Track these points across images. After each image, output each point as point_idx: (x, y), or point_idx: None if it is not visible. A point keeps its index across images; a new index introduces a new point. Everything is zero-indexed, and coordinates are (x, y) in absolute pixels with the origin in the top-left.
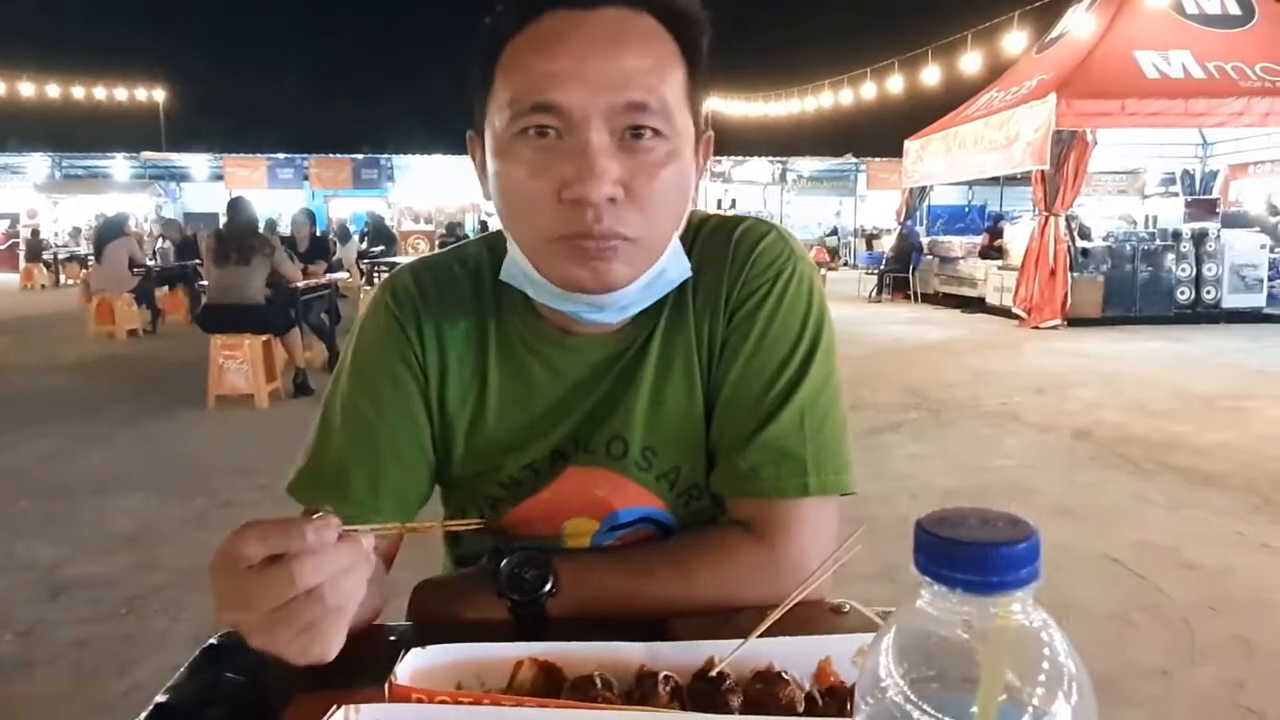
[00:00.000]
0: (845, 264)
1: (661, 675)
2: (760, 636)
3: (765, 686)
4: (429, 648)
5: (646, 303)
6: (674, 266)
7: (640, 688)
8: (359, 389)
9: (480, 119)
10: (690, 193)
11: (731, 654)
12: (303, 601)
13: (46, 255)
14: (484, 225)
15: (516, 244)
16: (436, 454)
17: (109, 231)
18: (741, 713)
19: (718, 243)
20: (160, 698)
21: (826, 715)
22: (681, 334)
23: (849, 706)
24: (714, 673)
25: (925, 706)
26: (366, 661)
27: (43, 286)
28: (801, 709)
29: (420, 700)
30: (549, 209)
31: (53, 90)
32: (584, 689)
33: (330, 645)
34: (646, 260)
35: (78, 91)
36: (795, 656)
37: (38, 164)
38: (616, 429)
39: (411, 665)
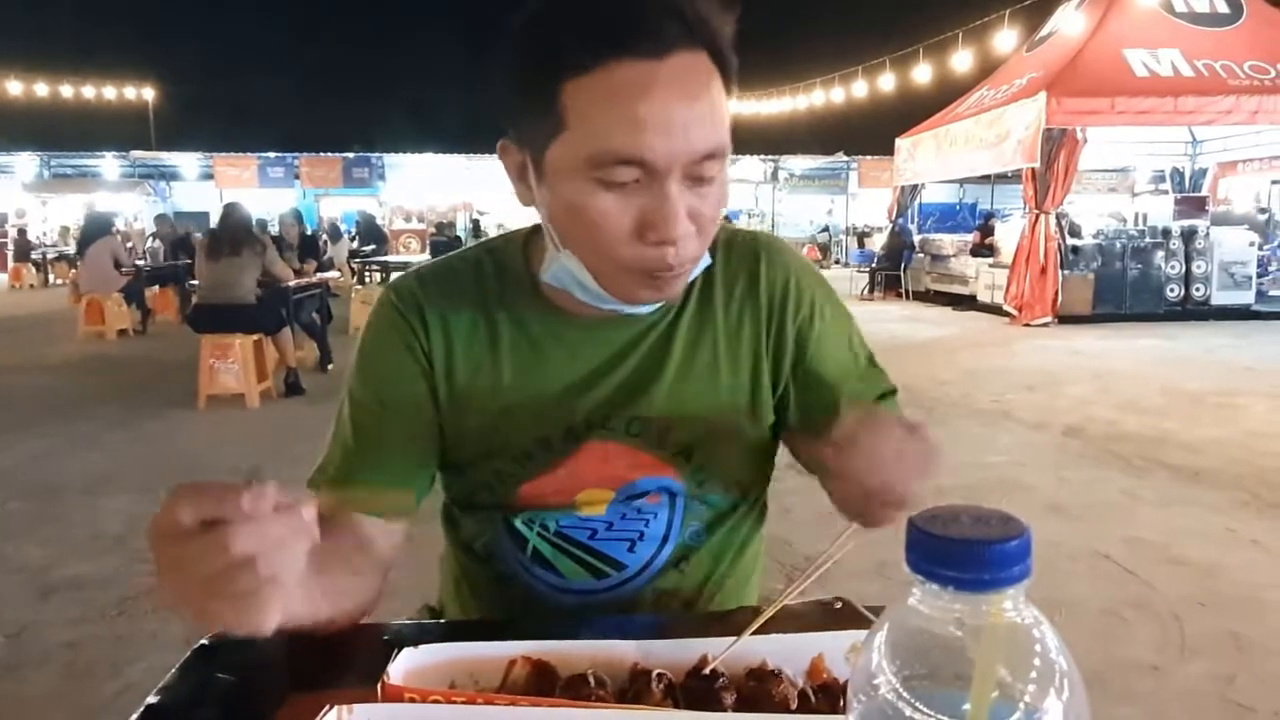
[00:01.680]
0: (837, 262)
1: (655, 673)
2: (753, 634)
3: (758, 684)
4: (421, 647)
5: (655, 307)
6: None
7: (634, 686)
8: (366, 380)
9: (532, 139)
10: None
11: (725, 652)
12: (237, 569)
13: (35, 255)
14: (475, 224)
15: (579, 260)
16: (446, 432)
17: (93, 231)
18: (735, 710)
19: (747, 257)
20: (152, 699)
21: (819, 712)
22: (709, 327)
23: (842, 703)
24: (707, 670)
25: (918, 704)
26: (359, 661)
27: (31, 286)
28: (794, 706)
29: (413, 700)
30: (627, 244)
31: (41, 89)
32: (577, 688)
33: (266, 617)
34: (694, 269)
35: (66, 90)
36: (788, 654)
37: (26, 163)
38: (637, 411)
39: (405, 665)
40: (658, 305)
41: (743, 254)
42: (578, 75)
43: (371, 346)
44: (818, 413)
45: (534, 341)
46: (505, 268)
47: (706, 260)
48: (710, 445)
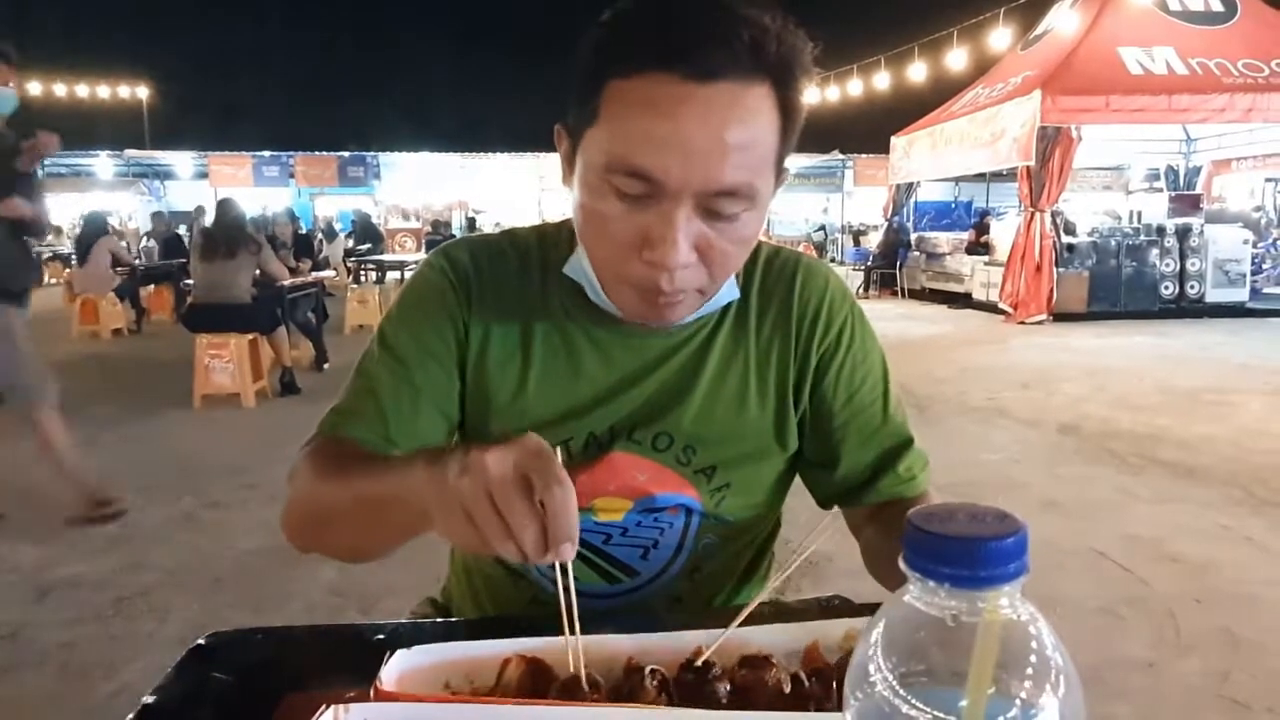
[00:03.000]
0: (832, 260)
1: (648, 669)
2: (748, 627)
3: (751, 670)
4: (415, 648)
5: (693, 318)
6: (723, 289)
7: (628, 682)
8: (403, 331)
9: (574, 128)
10: (759, 236)
11: (716, 643)
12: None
13: None
14: (471, 222)
15: (588, 259)
16: (468, 418)
17: (91, 231)
18: (729, 698)
19: (784, 279)
20: (148, 699)
21: (812, 696)
22: (741, 349)
23: (834, 687)
24: (699, 662)
25: (914, 700)
26: (355, 661)
27: None
28: (788, 690)
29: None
30: (625, 256)
31: (34, 87)
32: (572, 690)
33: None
34: (705, 301)
35: (59, 89)
36: (783, 644)
37: None
38: (665, 427)
39: (398, 668)
40: (698, 316)
41: (780, 274)
42: (621, 77)
43: (416, 300)
44: (822, 446)
45: (568, 342)
46: (550, 261)
47: (731, 294)
48: (733, 467)
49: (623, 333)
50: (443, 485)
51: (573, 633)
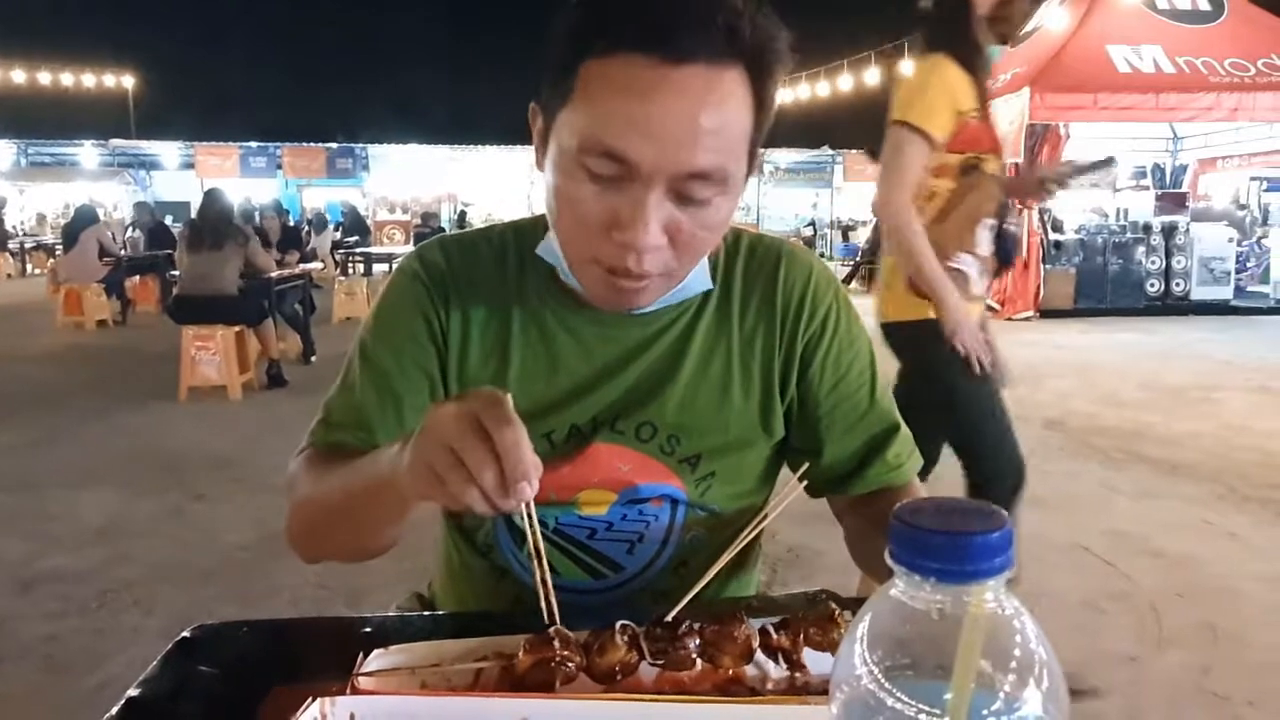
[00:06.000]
0: (822, 255)
1: (618, 625)
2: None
3: (720, 626)
4: (391, 648)
5: (661, 305)
6: (695, 279)
7: (598, 639)
8: (380, 342)
9: (548, 108)
10: (730, 222)
11: (683, 603)
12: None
13: (12, 244)
14: (461, 215)
15: (558, 241)
16: None
17: (81, 220)
18: (699, 655)
19: (767, 267)
20: (133, 692)
21: (780, 649)
22: (724, 338)
23: (800, 639)
24: (669, 618)
25: (899, 694)
26: (342, 654)
27: (9, 276)
28: (756, 644)
29: None
30: (595, 237)
31: (18, 75)
32: (541, 648)
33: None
34: (672, 287)
35: (44, 77)
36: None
37: (3, 151)
38: (648, 416)
39: (375, 666)
40: (670, 304)
41: (763, 262)
42: (596, 57)
43: (391, 309)
44: (808, 433)
45: (547, 334)
46: (526, 251)
47: (704, 284)
48: (718, 457)
49: (601, 322)
50: (408, 450)
51: (550, 617)
